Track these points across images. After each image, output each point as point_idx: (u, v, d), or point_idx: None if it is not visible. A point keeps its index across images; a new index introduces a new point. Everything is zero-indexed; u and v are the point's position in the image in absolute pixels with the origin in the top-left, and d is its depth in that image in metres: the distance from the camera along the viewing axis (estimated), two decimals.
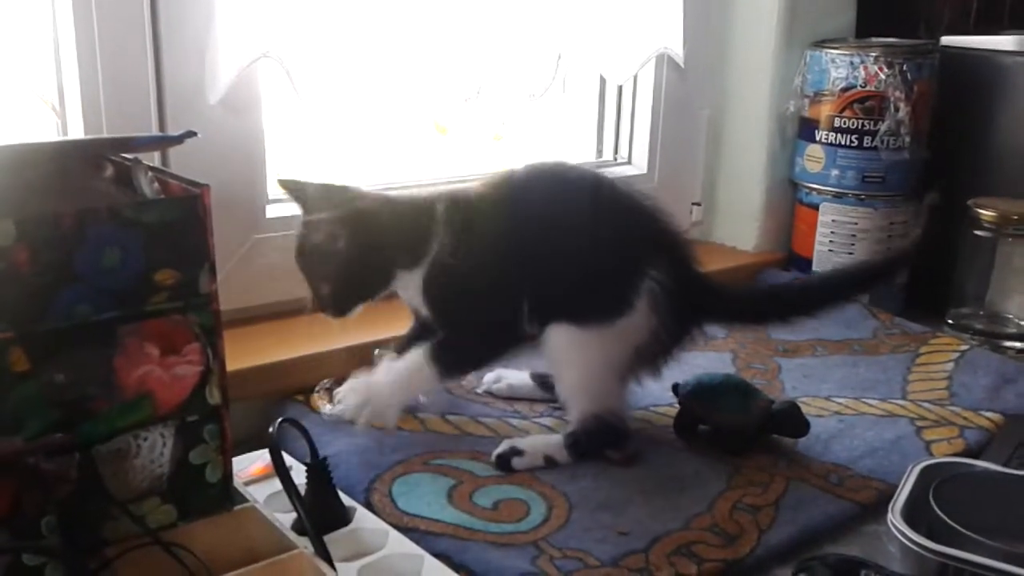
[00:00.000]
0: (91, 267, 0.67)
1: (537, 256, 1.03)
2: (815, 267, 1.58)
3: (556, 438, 1.05)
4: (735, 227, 1.69)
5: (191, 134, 0.75)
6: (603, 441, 1.05)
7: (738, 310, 1.17)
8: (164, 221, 0.69)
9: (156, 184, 0.75)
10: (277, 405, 1.12)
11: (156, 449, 0.74)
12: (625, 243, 1.05)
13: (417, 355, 1.05)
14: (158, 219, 0.69)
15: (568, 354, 1.04)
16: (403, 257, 1.04)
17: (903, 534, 0.84)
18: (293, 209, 1.23)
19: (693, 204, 1.70)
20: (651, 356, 1.07)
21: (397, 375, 1.05)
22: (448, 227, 1.04)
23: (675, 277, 1.04)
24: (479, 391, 1.20)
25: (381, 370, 1.07)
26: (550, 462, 1.03)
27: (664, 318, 1.04)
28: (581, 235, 1.03)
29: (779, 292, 1.30)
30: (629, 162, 1.64)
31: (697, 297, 1.08)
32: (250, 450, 0.98)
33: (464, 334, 1.06)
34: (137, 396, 0.71)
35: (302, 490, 0.84)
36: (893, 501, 0.88)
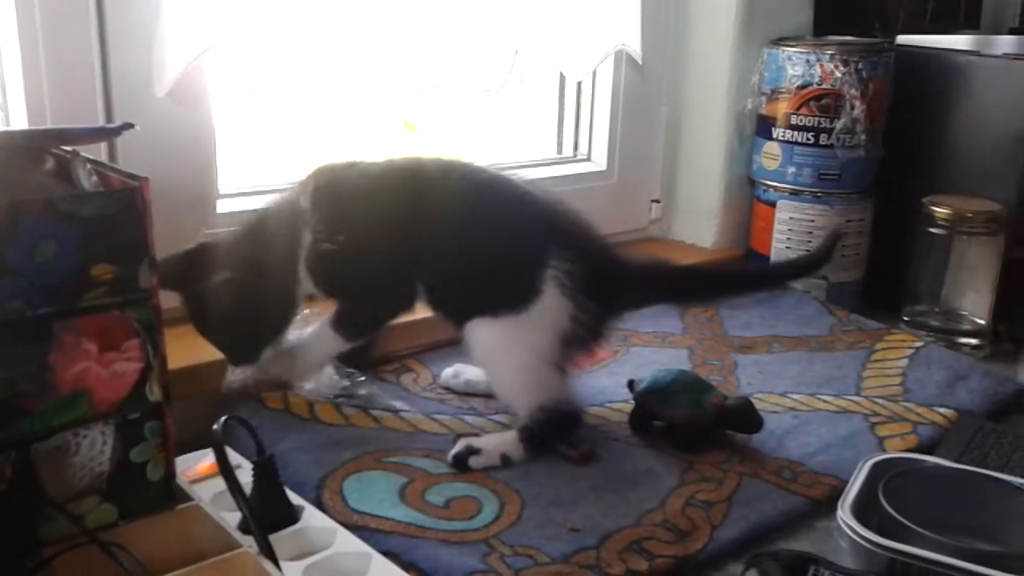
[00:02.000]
0: (24, 261, 0.65)
1: (428, 243, 1.04)
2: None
3: (511, 435, 1.04)
4: (694, 224, 1.69)
5: (129, 126, 0.73)
6: (556, 431, 1.04)
7: (658, 287, 1.17)
8: (101, 214, 0.68)
9: (95, 177, 0.73)
10: (227, 403, 1.10)
11: (96, 447, 0.72)
12: (520, 231, 1.05)
13: (322, 323, 1.09)
14: (95, 212, 0.68)
15: (491, 349, 1.05)
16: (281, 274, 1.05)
17: (852, 529, 0.84)
18: (245, 204, 1.23)
19: (652, 201, 1.70)
20: (579, 340, 1.06)
21: (308, 339, 1.11)
22: (317, 214, 1.05)
23: (581, 261, 1.04)
24: (436, 387, 1.19)
25: (293, 338, 1.11)
26: (506, 460, 1.02)
27: (579, 301, 1.03)
28: (475, 227, 1.04)
29: (698, 273, 1.31)
30: (589, 159, 1.63)
31: (614, 277, 1.08)
32: (200, 448, 0.96)
33: (354, 304, 1.09)
34: (74, 393, 0.69)
35: (249, 488, 0.83)
36: (843, 497, 0.88)
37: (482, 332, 1.04)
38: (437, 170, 1.09)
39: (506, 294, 1.03)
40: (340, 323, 1.09)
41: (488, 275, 1.04)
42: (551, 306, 1.03)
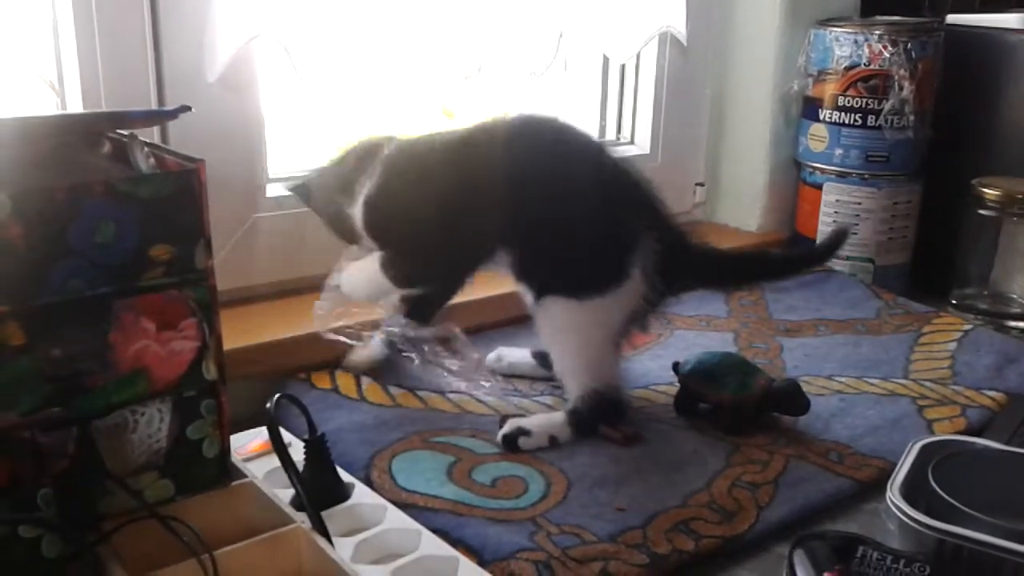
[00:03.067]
0: (85, 241, 0.67)
1: (521, 208, 1.02)
2: None
3: (559, 417, 1.05)
4: (739, 208, 1.69)
5: (185, 108, 0.74)
6: (604, 415, 1.05)
7: (723, 272, 1.16)
8: (159, 196, 0.69)
9: (152, 159, 0.75)
10: (279, 383, 1.12)
11: (153, 424, 0.74)
12: (621, 209, 1.04)
13: (374, 259, 1.07)
14: (153, 194, 0.69)
15: (564, 328, 1.04)
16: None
17: (901, 510, 0.83)
18: None
19: (696, 184, 1.69)
20: (639, 318, 1.07)
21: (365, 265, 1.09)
22: (383, 167, 1.04)
23: (666, 241, 1.04)
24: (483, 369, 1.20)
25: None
26: (553, 441, 1.03)
27: (653, 282, 1.04)
28: (577, 199, 1.03)
29: (762, 257, 1.32)
30: (632, 142, 1.63)
31: (683, 258, 1.08)
32: (252, 427, 0.98)
33: (401, 254, 1.07)
34: (133, 371, 0.71)
35: (301, 466, 0.84)
36: (892, 478, 0.88)
37: (558, 309, 1.04)
38: (541, 130, 1.07)
39: (594, 275, 1.03)
40: (386, 267, 1.07)
41: (583, 256, 1.03)
42: (632, 288, 1.03)
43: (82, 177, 0.68)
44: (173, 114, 0.75)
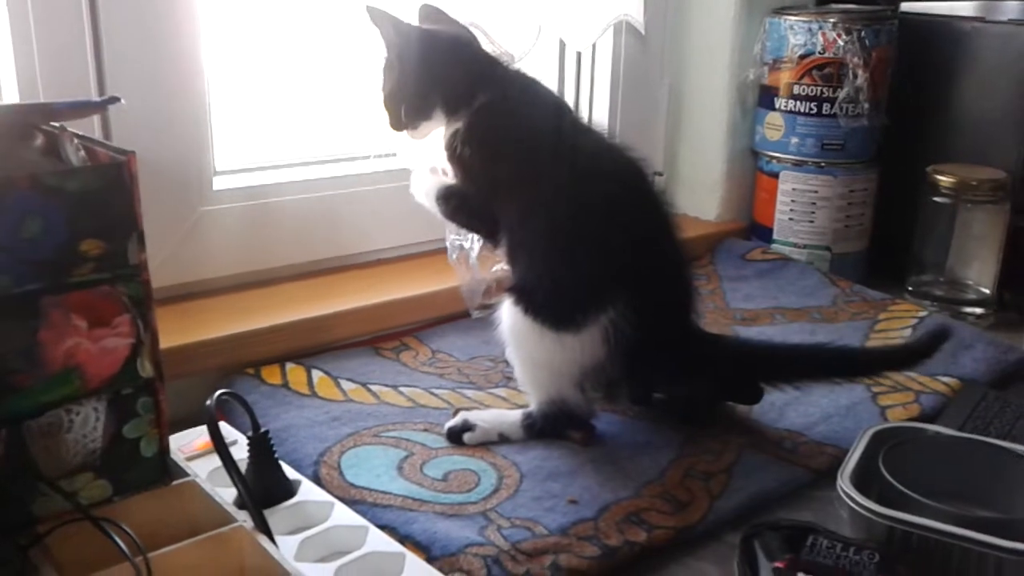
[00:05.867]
0: (12, 237, 0.65)
1: (524, 204, 1.01)
2: (776, 236, 1.58)
3: (513, 416, 1.02)
4: (697, 197, 1.68)
5: (114, 99, 0.73)
6: (561, 425, 1.02)
7: (722, 370, 1.08)
8: (88, 189, 0.67)
9: (83, 152, 0.73)
10: (227, 380, 1.11)
11: (89, 423, 0.72)
12: (608, 260, 0.98)
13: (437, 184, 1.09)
14: (81, 187, 0.67)
15: (514, 336, 1.01)
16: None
17: (851, 498, 0.83)
18: (241, 181, 1.23)
19: (655, 174, 1.68)
20: (599, 383, 1.03)
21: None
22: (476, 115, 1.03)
23: (645, 328, 0.97)
24: (436, 362, 1.19)
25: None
26: (503, 439, 1.01)
27: (616, 357, 0.98)
28: (577, 222, 0.99)
29: (770, 354, 1.12)
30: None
31: (672, 352, 1.01)
32: (198, 425, 0.96)
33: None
34: (65, 369, 0.69)
35: (245, 465, 0.83)
36: (843, 466, 0.88)
37: (513, 316, 1.00)
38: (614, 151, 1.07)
39: (551, 305, 0.98)
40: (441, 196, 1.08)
41: (547, 273, 0.99)
42: (583, 345, 0.98)
43: (8, 171, 0.66)
44: (102, 105, 0.74)
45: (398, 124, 1.08)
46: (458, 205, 1.07)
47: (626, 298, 0.97)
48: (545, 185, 1.01)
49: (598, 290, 0.98)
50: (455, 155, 1.04)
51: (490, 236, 1.07)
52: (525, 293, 1.00)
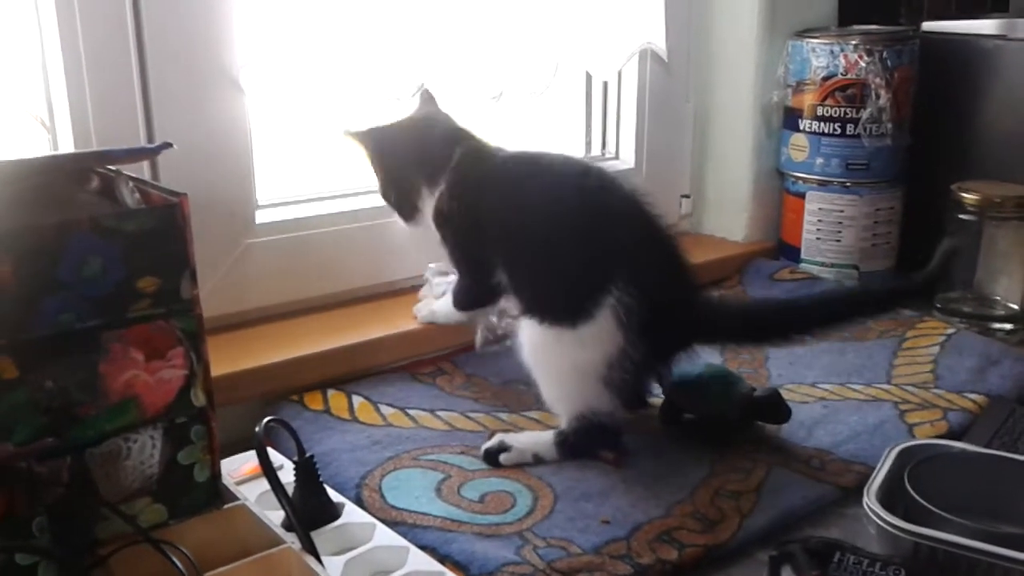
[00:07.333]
0: (74, 276, 0.70)
1: (510, 229, 1.08)
2: (803, 255, 1.60)
3: (546, 437, 1.06)
4: (724, 218, 1.71)
5: (167, 145, 0.77)
6: (593, 441, 1.05)
7: (732, 328, 1.11)
8: (144, 230, 0.72)
9: (137, 194, 0.77)
10: (273, 405, 1.15)
11: (146, 451, 0.76)
12: (590, 248, 1.03)
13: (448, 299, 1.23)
14: (137, 228, 0.72)
15: (536, 350, 1.06)
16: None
17: (877, 515, 0.85)
18: (282, 214, 1.27)
19: (682, 196, 1.72)
20: (626, 371, 1.02)
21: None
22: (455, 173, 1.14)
23: (644, 299, 1.00)
24: (471, 386, 1.22)
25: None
26: (538, 459, 1.04)
27: (630, 338, 1.00)
28: (556, 225, 1.04)
29: (776, 309, 1.19)
30: (617, 157, 1.65)
31: (678, 318, 1.04)
32: (245, 450, 1.00)
33: (459, 275, 1.21)
34: (123, 400, 0.73)
35: (291, 488, 0.86)
36: (869, 483, 0.90)
37: (530, 332, 1.05)
38: (556, 163, 1.13)
39: (560, 306, 1.03)
40: (453, 297, 1.23)
41: (548, 280, 1.05)
42: (601, 333, 1.01)
43: (69, 214, 0.70)
44: (156, 151, 0.78)
45: (401, 214, 1.21)
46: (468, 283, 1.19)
47: (623, 275, 1.01)
48: (527, 205, 1.08)
49: (596, 276, 1.02)
50: (442, 216, 1.15)
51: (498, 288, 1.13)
52: (537, 308, 1.05)
